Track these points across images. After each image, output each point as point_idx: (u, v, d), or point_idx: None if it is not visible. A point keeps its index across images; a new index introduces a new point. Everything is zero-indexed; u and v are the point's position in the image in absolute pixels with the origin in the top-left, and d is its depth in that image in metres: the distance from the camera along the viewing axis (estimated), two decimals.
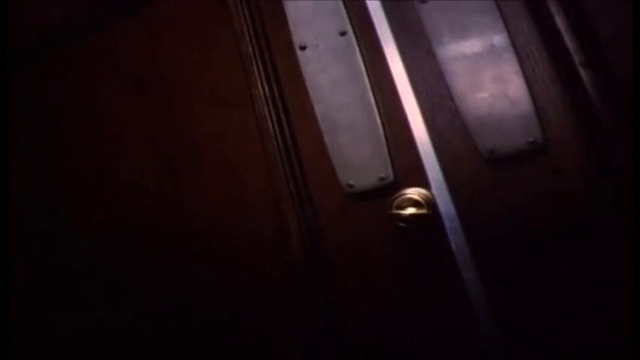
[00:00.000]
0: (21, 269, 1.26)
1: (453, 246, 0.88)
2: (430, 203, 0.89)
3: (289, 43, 1.02)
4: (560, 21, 0.82)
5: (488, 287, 0.87)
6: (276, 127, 1.01)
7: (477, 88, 0.89)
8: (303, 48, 1.00)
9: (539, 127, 0.85)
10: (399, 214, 0.88)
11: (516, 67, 0.87)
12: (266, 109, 1.02)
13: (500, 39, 0.88)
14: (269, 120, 1.01)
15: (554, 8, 0.83)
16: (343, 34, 0.98)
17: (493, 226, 0.88)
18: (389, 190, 0.92)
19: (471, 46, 0.90)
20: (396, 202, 0.89)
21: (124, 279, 1.13)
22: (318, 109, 0.99)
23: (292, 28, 1.02)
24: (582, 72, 0.81)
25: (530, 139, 0.86)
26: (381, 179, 0.95)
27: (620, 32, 0.81)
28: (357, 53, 0.97)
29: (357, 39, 0.98)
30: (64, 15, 1.26)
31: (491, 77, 0.89)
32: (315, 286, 0.96)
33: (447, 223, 0.88)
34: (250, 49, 1.04)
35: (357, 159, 0.96)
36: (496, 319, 0.87)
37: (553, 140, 0.85)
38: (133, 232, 1.14)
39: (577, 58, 0.81)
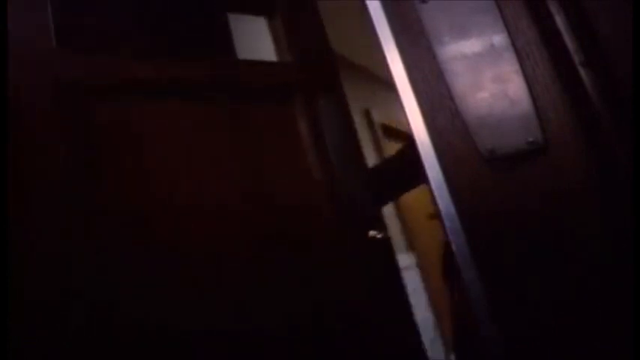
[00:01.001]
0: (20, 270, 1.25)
1: (454, 246, 0.88)
2: None
3: None
4: (560, 21, 0.82)
5: (488, 287, 0.87)
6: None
7: (477, 87, 0.89)
8: None
9: (540, 126, 0.85)
10: None
11: (516, 67, 0.87)
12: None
13: (500, 39, 0.88)
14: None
15: (554, 8, 0.83)
16: None
17: (493, 225, 0.88)
18: None
19: (471, 45, 0.90)
20: None
21: None
22: None
23: None
24: (582, 72, 0.81)
25: (531, 139, 0.86)
26: None
27: (620, 32, 0.81)
28: None
29: None
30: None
31: (491, 77, 0.89)
32: None
33: (447, 223, 0.88)
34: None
35: None
36: (496, 319, 0.87)
37: (553, 140, 0.85)
38: None
39: (577, 58, 0.81)
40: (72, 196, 1.25)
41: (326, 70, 1.70)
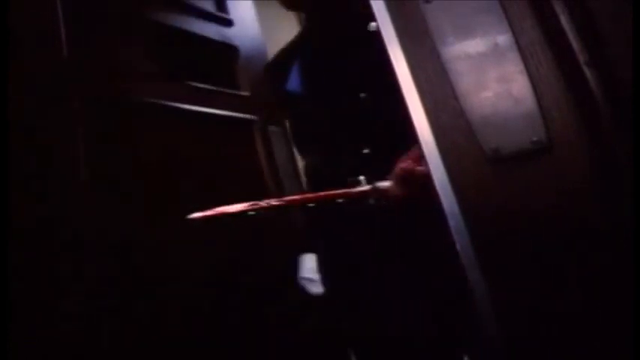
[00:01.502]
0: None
1: (458, 246, 0.87)
2: None
3: None
4: (564, 20, 0.82)
5: (491, 287, 0.87)
6: None
7: (481, 87, 0.89)
8: None
9: (544, 126, 0.85)
10: None
11: (520, 67, 0.87)
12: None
13: (504, 38, 0.88)
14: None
15: (559, 8, 0.83)
16: None
17: (497, 225, 0.88)
18: None
19: (475, 45, 0.90)
20: None
21: None
22: None
23: None
24: (587, 71, 0.81)
25: (535, 139, 0.86)
26: None
27: (624, 32, 0.81)
28: None
29: None
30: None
31: (495, 77, 0.88)
32: None
33: (451, 222, 0.88)
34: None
35: None
36: (499, 320, 0.87)
37: (557, 139, 0.85)
38: None
39: (581, 58, 0.81)
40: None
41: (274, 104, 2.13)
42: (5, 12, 1.27)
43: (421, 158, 1.15)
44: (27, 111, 1.37)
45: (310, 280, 1.46)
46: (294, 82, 1.53)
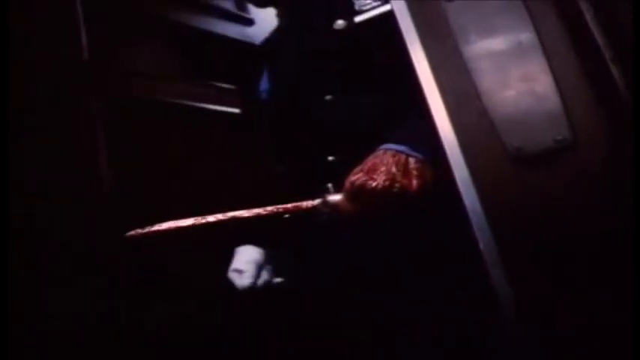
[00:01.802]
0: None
1: (481, 245, 0.87)
2: None
3: None
4: (589, 18, 0.82)
5: (514, 286, 0.86)
6: None
7: (504, 86, 0.89)
8: None
9: (568, 125, 0.85)
10: None
11: (544, 65, 0.87)
12: None
13: (527, 36, 0.88)
14: None
15: (584, 6, 0.83)
16: None
17: (520, 224, 0.87)
18: None
19: (497, 44, 0.90)
20: None
21: None
22: None
23: None
24: (612, 68, 0.81)
25: (559, 138, 0.86)
26: None
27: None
28: None
29: None
30: None
31: (518, 75, 0.89)
32: None
33: (473, 219, 0.87)
34: None
35: None
36: (521, 319, 0.86)
37: (581, 138, 0.85)
38: None
39: (607, 54, 0.81)
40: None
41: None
42: (23, 12, 1.27)
43: (375, 171, 1.12)
44: (27, 111, 1.36)
45: (239, 271, 1.38)
46: (264, 84, 1.49)
